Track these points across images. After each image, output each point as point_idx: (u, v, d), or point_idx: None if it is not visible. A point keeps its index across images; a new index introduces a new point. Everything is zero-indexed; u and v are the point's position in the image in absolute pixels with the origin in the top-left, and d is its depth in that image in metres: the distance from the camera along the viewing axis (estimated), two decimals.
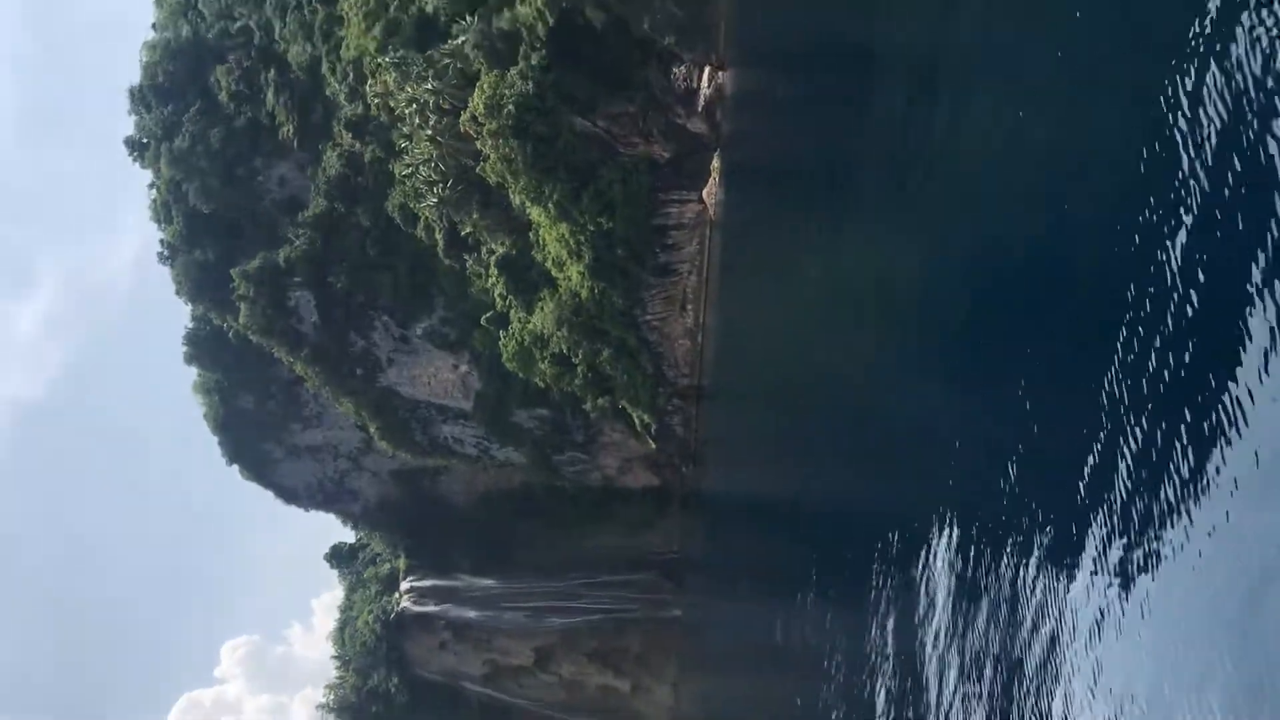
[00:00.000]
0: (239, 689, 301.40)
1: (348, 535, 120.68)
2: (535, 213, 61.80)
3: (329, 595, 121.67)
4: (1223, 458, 16.31)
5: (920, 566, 30.41)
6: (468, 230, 69.37)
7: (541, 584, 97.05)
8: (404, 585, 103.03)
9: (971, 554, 26.67)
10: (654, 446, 75.46)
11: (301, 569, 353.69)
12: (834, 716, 41.29)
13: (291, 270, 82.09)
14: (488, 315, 74.95)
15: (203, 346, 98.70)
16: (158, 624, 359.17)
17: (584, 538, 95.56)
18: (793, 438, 52.91)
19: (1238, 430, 15.93)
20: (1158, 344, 18.16)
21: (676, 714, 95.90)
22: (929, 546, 29.94)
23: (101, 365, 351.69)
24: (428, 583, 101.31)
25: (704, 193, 59.36)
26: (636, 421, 72.52)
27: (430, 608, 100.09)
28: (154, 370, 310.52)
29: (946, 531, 28.81)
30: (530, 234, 66.05)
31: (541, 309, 66.32)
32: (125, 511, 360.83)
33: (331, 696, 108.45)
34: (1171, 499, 17.67)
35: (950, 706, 28.21)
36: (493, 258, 69.23)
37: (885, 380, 36.67)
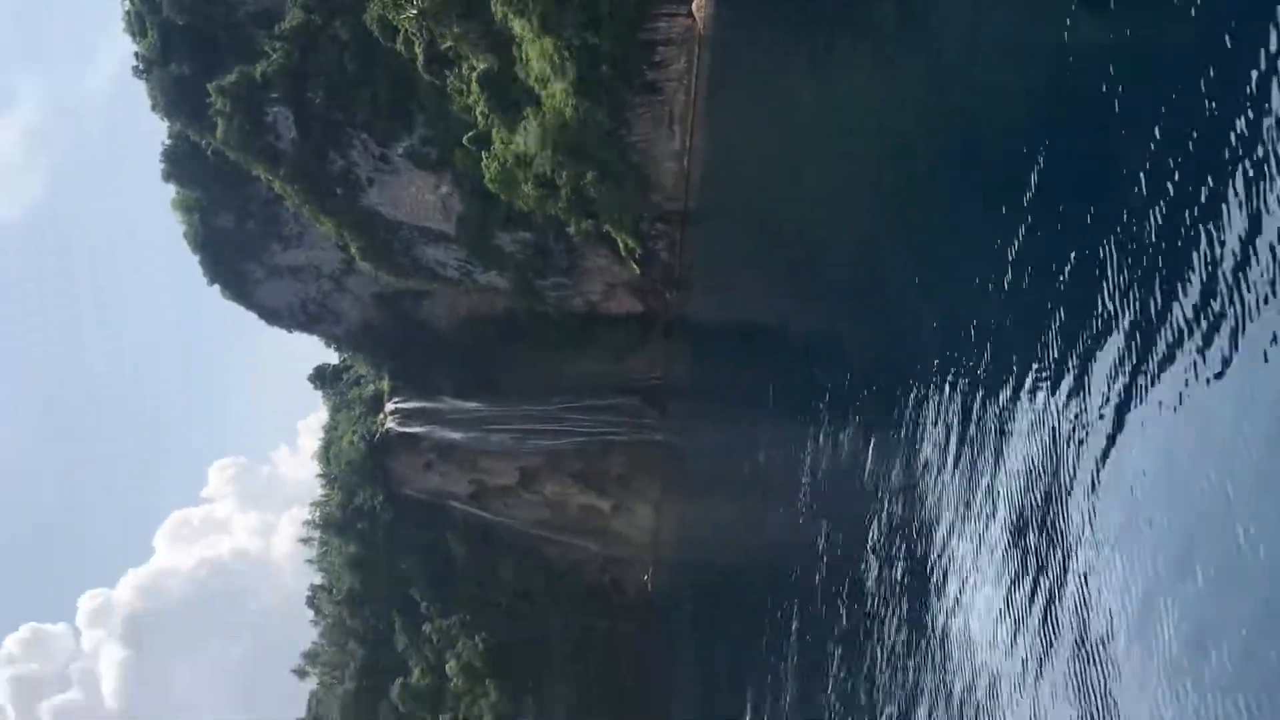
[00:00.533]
0: (227, 508, 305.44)
1: (331, 358, 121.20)
2: (518, 25, 59.35)
3: (314, 418, 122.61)
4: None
5: (909, 396, 29.63)
6: (448, 44, 66.82)
7: (525, 407, 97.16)
8: (388, 407, 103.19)
9: (963, 389, 26.02)
10: (638, 272, 74.53)
11: (286, 392, 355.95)
12: (816, 535, 41.28)
13: (269, 85, 79.40)
14: (469, 135, 72.83)
15: (181, 163, 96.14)
16: (143, 445, 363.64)
17: (567, 362, 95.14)
18: (780, 265, 51.86)
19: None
20: (1175, 175, 17.01)
21: (657, 533, 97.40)
22: (918, 378, 29.23)
23: (82, 186, 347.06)
24: (412, 405, 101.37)
25: (693, 6, 56.94)
26: (621, 246, 71.43)
27: (415, 429, 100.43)
28: (135, 190, 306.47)
29: (937, 364, 27.86)
30: (513, 49, 63.61)
31: (524, 128, 64.39)
32: (109, 333, 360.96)
33: (318, 513, 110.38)
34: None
35: (931, 535, 27.87)
36: (474, 74, 66.82)
37: (878, 207, 35.56)
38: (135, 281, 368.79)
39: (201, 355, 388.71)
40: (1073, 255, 20.38)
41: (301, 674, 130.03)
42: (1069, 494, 20.15)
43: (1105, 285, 18.74)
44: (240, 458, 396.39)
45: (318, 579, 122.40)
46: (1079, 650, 19.58)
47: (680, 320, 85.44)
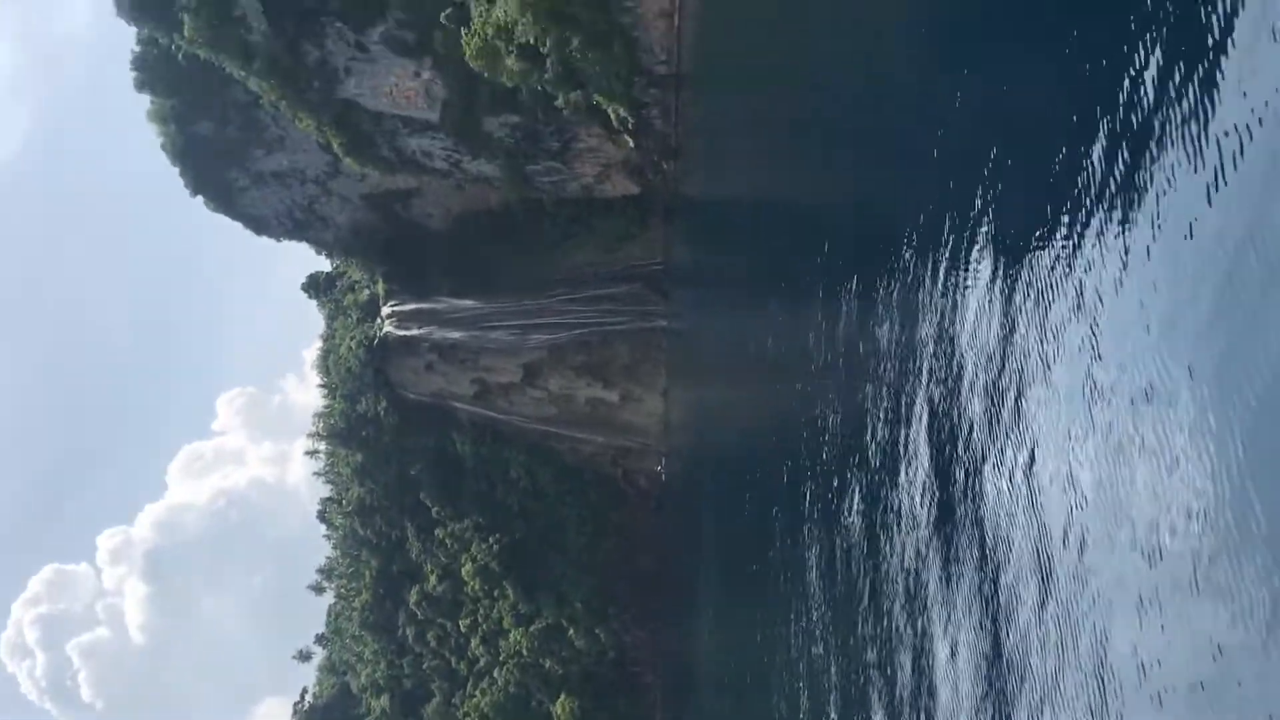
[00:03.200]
0: (239, 440, 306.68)
1: (325, 265, 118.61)
2: None
3: (320, 343, 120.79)
4: None
5: (922, 272, 27.62)
6: None
7: (524, 302, 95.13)
8: (385, 310, 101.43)
9: (983, 263, 23.99)
10: (632, 145, 71.40)
11: (290, 319, 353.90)
12: (820, 411, 39.89)
13: None
14: (447, 11, 69.27)
15: (153, 70, 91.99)
16: (149, 380, 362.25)
17: (565, 254, 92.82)
18: (783, 127, 48.72)
19: None
20: None
21: (667, 421, 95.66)
22: (934, 251, 27.05)
23: (68, 122, 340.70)
24: (409, 307, 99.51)
25: None
26: (613, 117, 68.24)
27: (413, 331, 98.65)
28: (121, 123, 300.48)
29: (952, 237, 25.84)
30: None
31: None
32: (104, 268, 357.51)
33: (321, 424, 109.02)
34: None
35: (937, 406, 26.75)
36: None
37: (888, 59, 32.58)
38: (127, 213, 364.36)
39: (201, 285, 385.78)
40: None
41: (318, 590, 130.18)
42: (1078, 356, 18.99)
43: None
44: (249, 388, 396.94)
45: (327, 492, 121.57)
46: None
47: (680, 200, 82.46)
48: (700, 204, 78.05)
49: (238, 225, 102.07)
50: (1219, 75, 14.79)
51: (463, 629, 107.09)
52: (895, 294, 30.35)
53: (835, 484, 38.36)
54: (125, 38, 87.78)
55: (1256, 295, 13.99)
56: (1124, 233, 17.32)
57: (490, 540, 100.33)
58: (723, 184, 69.08)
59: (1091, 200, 18.51)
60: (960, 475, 25.42)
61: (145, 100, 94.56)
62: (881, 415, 31.87)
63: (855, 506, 35.93)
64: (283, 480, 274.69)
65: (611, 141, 76.86)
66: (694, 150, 71.69)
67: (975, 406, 24.39)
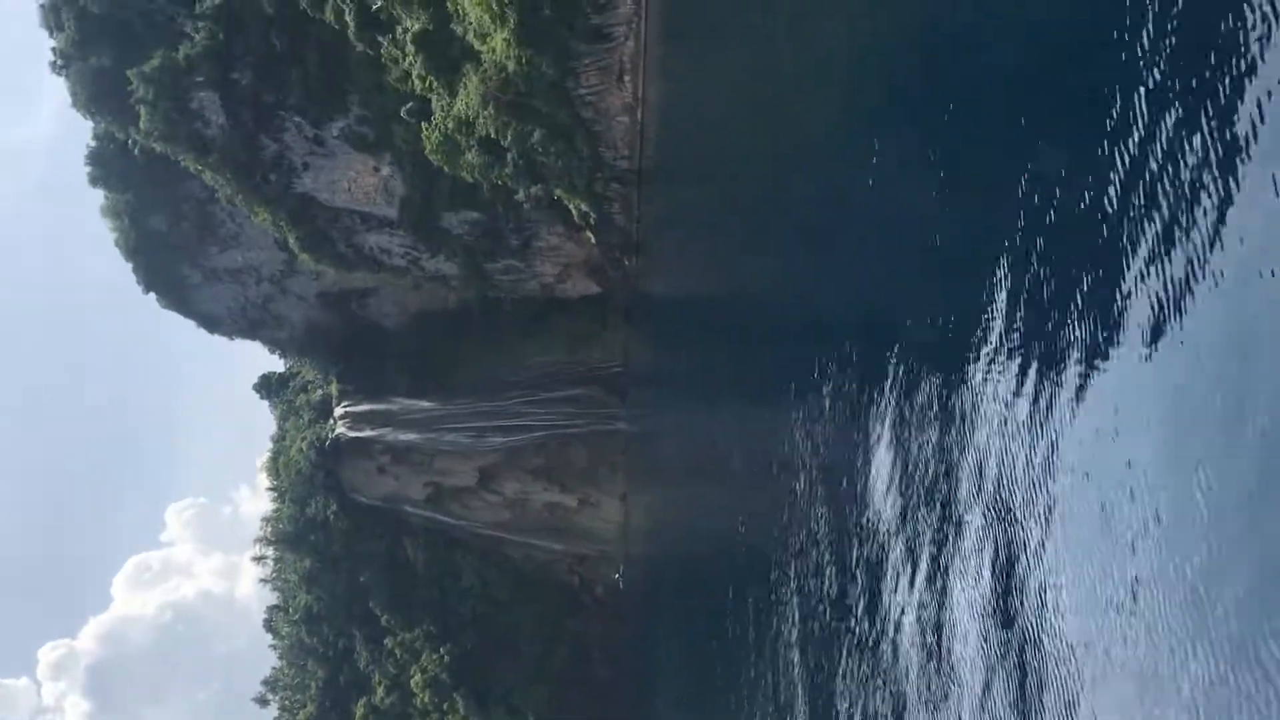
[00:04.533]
0: (188, 551, 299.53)
1: (279, 367, 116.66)
2: None
3: (270, 445, 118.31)
4: None
5: (884, 374, 27.55)
6: (379, 6, 62.54)
7: (481, 404, 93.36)
8: (338, 411, 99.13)
9: (940, 363, 24.48)
10: (593, 241, 70.41)
11: (244, 429, 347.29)
12: (788, 520, 38.67)
13: (193, 68, 74.69)
14: (408, 106, 68.52)
15: (108, 165, 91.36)
16: (98, 489, 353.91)
17: (523, 355, 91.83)
18: (746, 225, 48.05)
19: None
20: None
21: (626, 527, 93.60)
22: (893, 351, 27.19)
23: (20, 228, 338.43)
24: (363, 407, 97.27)
25: None
26: (574, 212, 67.35)
27: (366, 432, 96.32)
28: (75, 222, 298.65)
29: (911, 335, 26.04)
30: (449, 4, 59.25)
31: (465, 87, 59.97)
32: (58, 372, 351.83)
33: (269, 529, 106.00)
34: None
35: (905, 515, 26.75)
36: (409, 35, 62.37)
37: (849, 159, 32.00)
38: (81, 318, 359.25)
39: (154, 391, 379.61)
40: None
41: (263, 702, 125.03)
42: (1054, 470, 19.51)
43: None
44: (200, 499, 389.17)
45: (275, 600, 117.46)
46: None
47: (640, 299, 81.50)
48: (661, 302, 77.10)
49: (192, 327, 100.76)
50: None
51: None
52: (869, 395, 29.54)
53: (806, 599, 37.01)
54: (85, 134, 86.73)
55: None
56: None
57: (441, 650, 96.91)
58: (685, 281, 68.32)
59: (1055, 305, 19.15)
60: (943, 598, 24.98)
61: (100, 196, 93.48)
62: (859, 526, 30.60)
63: (826, 622, 34.62)
64: (232, 593, 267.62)
65: (572, 240, 76.12)
66: (656, 246, 70.93)
67: (952, 520, 24.05)
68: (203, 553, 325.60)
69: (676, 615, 73.22)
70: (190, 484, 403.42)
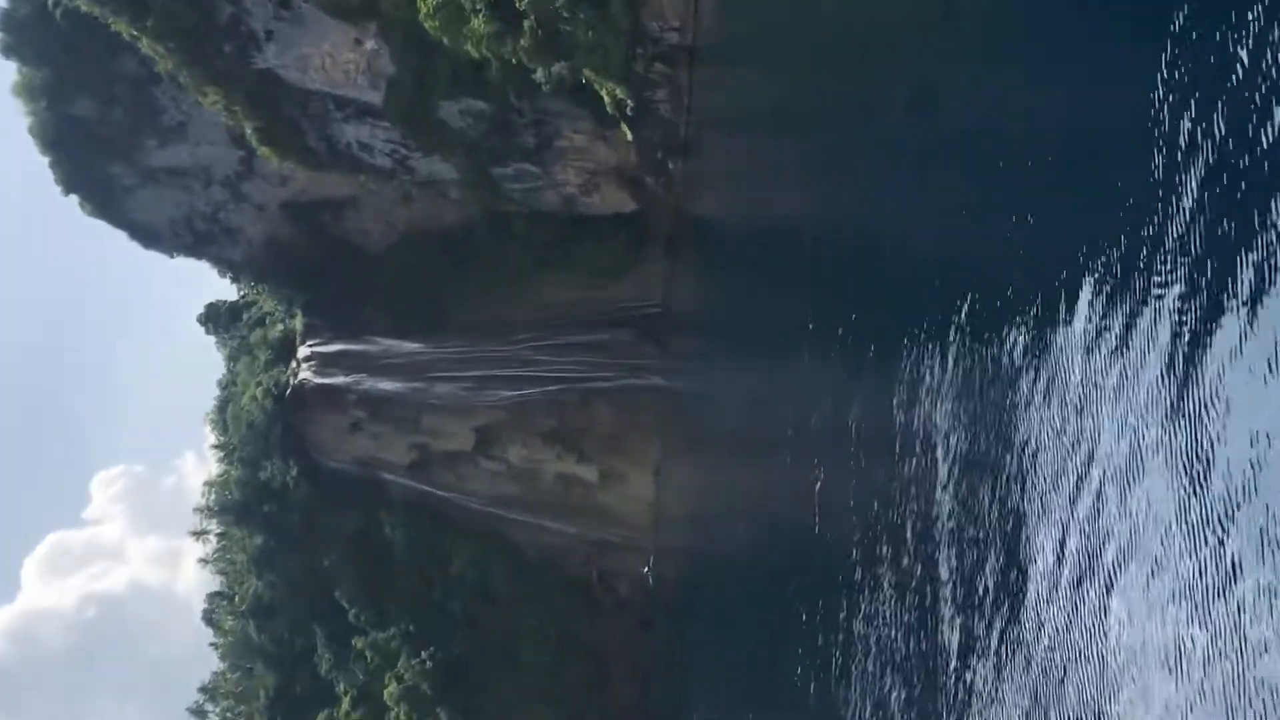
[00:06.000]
0: (118, 531, 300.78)
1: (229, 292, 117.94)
2: None
3: (217, 392, 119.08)
4: None
5: (1018, 319, 26.83)
6: None
7: (482, 348, 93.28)
8: (302, 351, 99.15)
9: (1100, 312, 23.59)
10: (629, 140, 69.19)
11: (191, 381, 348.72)
12: (874, 503, 38.20)
13: None
14: None
15: (22, 32, 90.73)
16: (4, 450, 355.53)
17: (537, 289, 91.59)
18: (833, 124, 47.31)
19: None
20: None
21: (660, 509, 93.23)
22: (1032, 293, 26.30)
23: None
24: (333, 348, 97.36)
25: None
26: (606, 100, 66.30)
27: (337, 379, 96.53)
28: None
29: (1062, 273, 24.81)
30: None
31: None
32: None
33: (212, 496, 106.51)
34: None
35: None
36: None
37: (968, 49, 31.58)
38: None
39: (81, 327, 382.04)
40: None
41: (199, 714, 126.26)
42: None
43: None
44: (135, 466, 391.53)
45: (217, 585, 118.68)
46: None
47: (687, 223, 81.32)
48: (714, 226, 76.89)
49: (124, 240, 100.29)
50: None
51: None
52: (981, 348, 29.44)
53: (896, 607, 36.59)
54: None
55: None
56: None
57: (423, 655, 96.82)
58: (746, 199, 67.58)
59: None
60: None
61: (12, 70, 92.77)
62: (997, 518, 29.50)
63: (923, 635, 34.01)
64: (171, 585, 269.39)
65: (603, 140, 75.53)
66: (710, 149, 70.44)
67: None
68: (136, 534, 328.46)
69: (724, 627, 72.69)
70: (123, 448, 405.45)
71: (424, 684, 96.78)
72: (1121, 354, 22.10)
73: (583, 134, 75.43)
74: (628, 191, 79.59)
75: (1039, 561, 25.59)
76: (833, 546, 43.45)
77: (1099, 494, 22.90)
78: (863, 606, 39.48)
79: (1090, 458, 23.23)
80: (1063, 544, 24.49)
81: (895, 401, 35.27)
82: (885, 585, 37.17)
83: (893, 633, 36.25)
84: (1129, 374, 21.74)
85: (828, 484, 45.26)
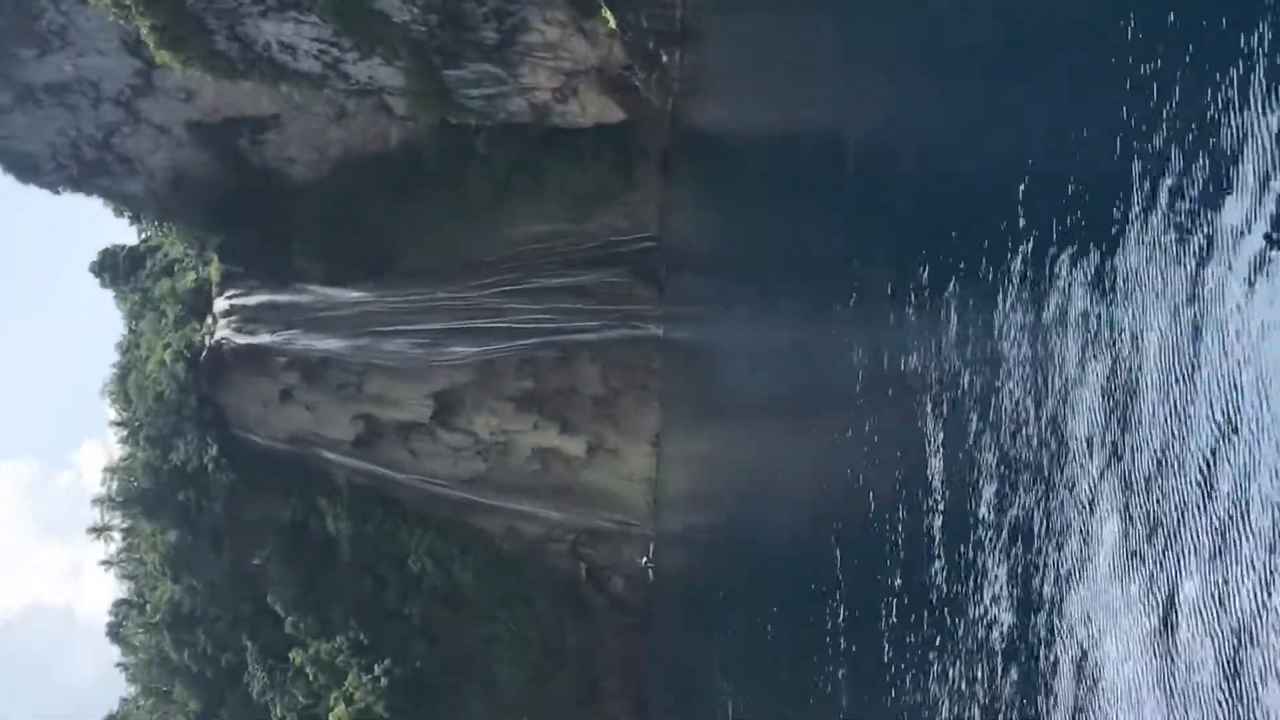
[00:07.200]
0: (9, 540, 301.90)
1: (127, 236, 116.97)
2: None
3: (116, 357, 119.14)
4: None
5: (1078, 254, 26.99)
6: None
7: (439, 295, 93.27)
8: (219, 305, 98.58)
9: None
10: (613, 29, 67.77)
11: (93, 358, 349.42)
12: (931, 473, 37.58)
13: None
14: None
15: None
16: None
17: (505, 223, 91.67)
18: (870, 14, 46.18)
19: None
20: None
21: (659, 486, 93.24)
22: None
23: None
24: (257, 299, 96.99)
25: None
26: None
27: (263, 338, 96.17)
28: None
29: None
30: None
31: None
32: None
33: (114, 484, 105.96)
34: None
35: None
36: None
37: None
38: None
39: None
40: None
41: None
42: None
43: None
44: (28, 461, 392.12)
45: (124, 591, 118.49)
46: None
47: (686, 136, 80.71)
48: (723, 138, 75.96)
49: None
50: None
51: None
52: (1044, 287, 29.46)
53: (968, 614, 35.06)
54: None
55: None
56: None
57: (376, 670, 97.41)
58: (764, 100, 66.85)
59: None
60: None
61: None
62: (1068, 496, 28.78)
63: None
64: (74, 602, 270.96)
65: (581, 33, 74.67)
66: (714, 34, 70.10)
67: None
68: (30, 543, 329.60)
69: (741, 630, 71.78)
70: (10, 440, 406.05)
71: (378, 704, 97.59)
72: None
73: (556, 25, 74.71)
74: (613, 97, 79.29)
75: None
76: (888, 532, 41.76)
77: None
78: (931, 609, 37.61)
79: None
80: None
81: (980, 352, 33.95)
82: (957, 580, 35.41)
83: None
84: None
85: (879, 456, 43.77)
